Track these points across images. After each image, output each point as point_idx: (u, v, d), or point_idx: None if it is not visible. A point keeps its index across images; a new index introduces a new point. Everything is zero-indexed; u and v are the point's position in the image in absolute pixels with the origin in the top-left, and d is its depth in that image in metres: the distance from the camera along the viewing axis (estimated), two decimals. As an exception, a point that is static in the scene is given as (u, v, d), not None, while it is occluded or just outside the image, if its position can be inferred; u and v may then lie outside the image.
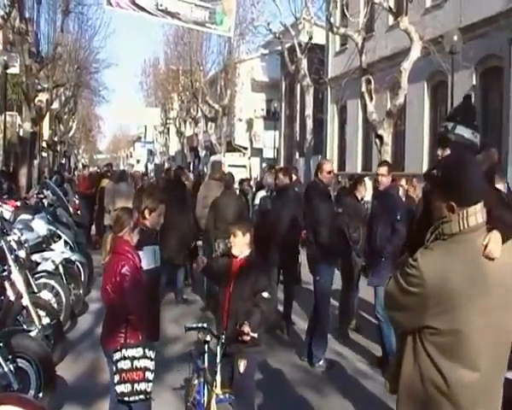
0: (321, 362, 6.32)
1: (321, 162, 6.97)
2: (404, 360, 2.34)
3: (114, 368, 3.85)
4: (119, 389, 3.81)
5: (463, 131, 2.96)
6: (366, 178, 8.45)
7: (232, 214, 7.74)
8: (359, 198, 7.75)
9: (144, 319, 3.96)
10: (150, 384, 3.87)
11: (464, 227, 2.24)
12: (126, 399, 3.83)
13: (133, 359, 3.81)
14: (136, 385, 3.80)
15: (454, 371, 2.18)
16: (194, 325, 4.08)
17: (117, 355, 3.82)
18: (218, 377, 3.86)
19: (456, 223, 2.25)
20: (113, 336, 3.94)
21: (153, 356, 3.88)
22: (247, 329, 3.94)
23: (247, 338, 3.97)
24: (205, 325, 4.04)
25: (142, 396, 3.82)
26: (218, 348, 3.92)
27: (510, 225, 2.39)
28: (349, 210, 7.55)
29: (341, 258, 7.30)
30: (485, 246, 2.22)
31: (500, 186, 3.55)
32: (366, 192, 8.06)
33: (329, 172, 6.57)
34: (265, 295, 4.23)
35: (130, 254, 3.99)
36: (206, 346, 4.01)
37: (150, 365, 3.87)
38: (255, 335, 4.03)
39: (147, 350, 3.86)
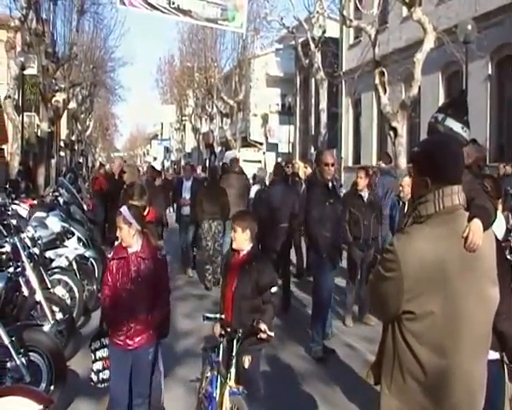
0: (318, 347, 6.31)
1: (320, 154, 7.05)
2: (384, 351, 2.31)
3: None
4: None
5: (452, 124, 3.00)
6: None
7: (215, 202, 9.67)
8: None
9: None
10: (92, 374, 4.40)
11: (440, 208, 2.19)
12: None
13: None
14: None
15: (426, 355, 2.14)
16: (212, 316, 4.11)
17: None
18: (233, 370, 3.87)
19: (432, 203, 2.19)
20: None
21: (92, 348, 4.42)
22: (263, 327, 3.94)
23: (263, 336, 3.96)
24: (222, 316, 4.08)
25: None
26: (235, 341, 3.92)
27: (490, 214, 2.37)
28: None
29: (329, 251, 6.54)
30: (466, 238, 2.16)
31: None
32: None
33: (327, 165, 6.25)
34: (274, 290, 4.17)
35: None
36: (222, 339, 4.03)
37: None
38: (272, 333, 4.03)
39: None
